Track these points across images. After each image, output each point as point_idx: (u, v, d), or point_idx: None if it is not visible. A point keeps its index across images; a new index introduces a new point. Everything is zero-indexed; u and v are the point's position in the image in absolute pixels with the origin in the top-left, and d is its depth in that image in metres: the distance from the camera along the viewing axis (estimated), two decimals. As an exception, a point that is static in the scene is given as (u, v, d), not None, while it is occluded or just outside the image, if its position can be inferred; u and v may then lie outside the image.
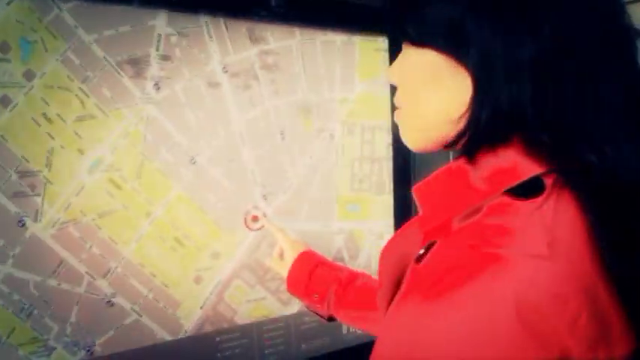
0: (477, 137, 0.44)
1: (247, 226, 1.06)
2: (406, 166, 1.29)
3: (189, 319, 0.98)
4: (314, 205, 1.15)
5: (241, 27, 1.04)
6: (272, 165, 1.09)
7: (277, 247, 1.00)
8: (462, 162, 0.46)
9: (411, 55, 0.49)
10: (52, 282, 0.85)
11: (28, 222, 0.83)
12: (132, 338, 0.92)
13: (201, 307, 1.00)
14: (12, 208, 0.82)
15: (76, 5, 0.86)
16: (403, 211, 1.28)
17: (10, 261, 0.81)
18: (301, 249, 0.95)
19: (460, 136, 0.47)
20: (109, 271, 0.90)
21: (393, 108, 0.54)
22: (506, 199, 0.42)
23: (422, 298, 0.40)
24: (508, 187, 0.42)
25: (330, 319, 0.89)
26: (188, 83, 0.98)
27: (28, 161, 0.83)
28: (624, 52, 0.43)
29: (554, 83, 0.41)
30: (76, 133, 0.87)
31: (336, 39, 1.18)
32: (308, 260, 0.92)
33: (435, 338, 0.37)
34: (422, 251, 0.48)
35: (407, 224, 0.58)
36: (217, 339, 1.02)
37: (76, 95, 0.86)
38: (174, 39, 0.96)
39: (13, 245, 0.82)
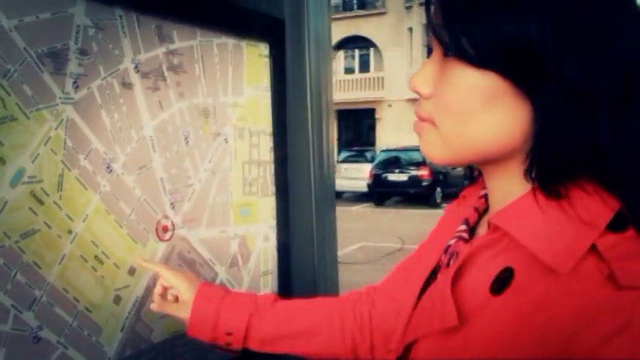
0: (553, 170, 0.44)
1: (159, 237, 1.01)
2: (284, 169, 1.37)
3: (112, 345, 0.91)
4: (213, 211, 1.15)
5: (151, 23, 0.99)
6: (178, 172, 1.06)
7: (158, 286, 0.87)
8: (542, 195, 0.45)
9: (462, 73, 0.46)
10: (-25, 322, 0.71)
11: (-56, 250, 0.68)
12: (58, 375, 0.82)
13: (121, 330, 0.93)
14: None
15: (-9, -18, 0.73)
16: (283, 211, 1.36)
17: None
18: (195, 282, 0.84)
19: (503, 161, 0.48)
20: (34, 302, 0.78)
21: (420, 118, 0.52)
22: (610, 235, 0.42)
23: (557, 346, 0.39)
24: (606, 223, 0.42)
25: (245, 350, 0.82)
26: (104, 82, 0.90)
27: (-59, 174, 0.67)
28: None
29: (626, 116, 0.42)
30: (-2, 139, 0.73)
31: (229, 42, 1.19)
32: (211, 295, 0.82)
33: None
34: (496, 279, 0.46)
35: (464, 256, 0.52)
36: (136, 362, 0.96)
37: (-2, 93, 0.73)
38: (91, 31, 0.87)
39: None
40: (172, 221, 1.05)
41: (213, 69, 1.15)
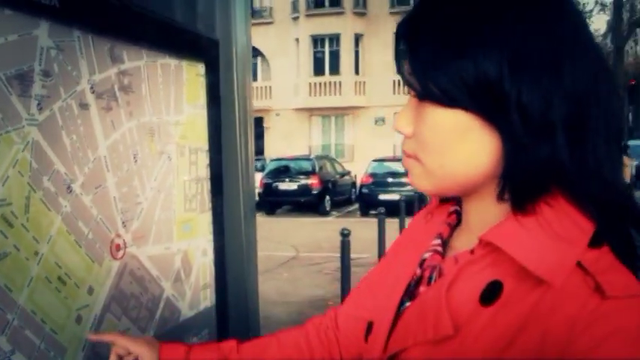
0: (523, 191, 0.49)
1: (112, 256, 1.03)
2: (219, 185, 1.42)
3: (74, 365, 0.91)
4: (159, 228, 1.18)
5: (104, 44, 1.01)
6: (129, 190, 1.08)
7: (112, 356, 0.82)
8: (521, 215, 0.50)
9: (434, 113, 0.51)
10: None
11: None
12: (28, 399, 0.81)
13: (82, 350, 0.93)
14: None
15: (-37, 5, 0.73)
16: (218, 226, 1.40)
17: None
18: (154, 345, 0.82)
19: (481, 186, 0.53)
20: (7, 325, 0.78)
21: (405, 154, 0.56)
22: (591, 251, 0.47)
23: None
24: (588, 241, 0.47)
25: None
26: (64, 103, 0.91)
27: None
28: (616, 103, 0.50)
29: (583, 137, 0.47)
30: (-27, 164, 0.73)
31: (171, 63, 1.23)
32: (175, 353, 0.81)
33: None
34: (484, 291, 0.50)
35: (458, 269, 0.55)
36: (95, 381, 0.96)
37: (-26, 117, 0.73)
38: (53, 53, 0.88)
39: None
40: (124, 239, 1.06)
41: (157, 88, 1.18)
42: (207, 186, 1.37)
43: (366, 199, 10.08)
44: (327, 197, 12.71)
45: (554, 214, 0.49)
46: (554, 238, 0.48)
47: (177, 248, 1.24)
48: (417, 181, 0.56)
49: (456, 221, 0.65)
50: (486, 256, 0.53)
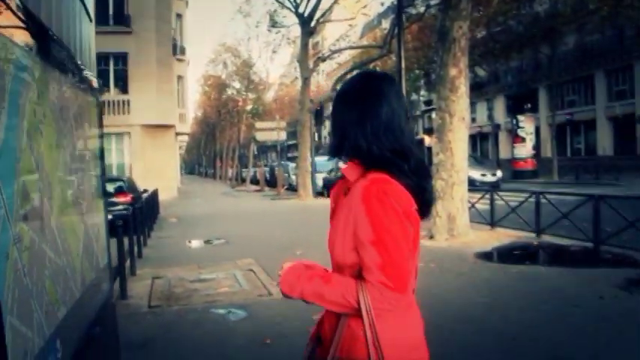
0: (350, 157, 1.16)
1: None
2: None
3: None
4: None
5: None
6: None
7: None
8: (348, 163, 1.15)
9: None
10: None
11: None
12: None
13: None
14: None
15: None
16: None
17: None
18: None
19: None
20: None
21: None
22: (371, 172, 1.10)
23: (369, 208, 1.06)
24: (362, 170, 1.13)
25: None
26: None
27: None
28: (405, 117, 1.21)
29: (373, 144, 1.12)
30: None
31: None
32: None
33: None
34: (343, 191, 1.17)
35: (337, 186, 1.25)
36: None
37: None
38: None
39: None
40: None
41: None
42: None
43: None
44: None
45: (355, 164, 1.17)
46: (357, 172, 1.16)
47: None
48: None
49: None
50: (346, 181, 1.20)
